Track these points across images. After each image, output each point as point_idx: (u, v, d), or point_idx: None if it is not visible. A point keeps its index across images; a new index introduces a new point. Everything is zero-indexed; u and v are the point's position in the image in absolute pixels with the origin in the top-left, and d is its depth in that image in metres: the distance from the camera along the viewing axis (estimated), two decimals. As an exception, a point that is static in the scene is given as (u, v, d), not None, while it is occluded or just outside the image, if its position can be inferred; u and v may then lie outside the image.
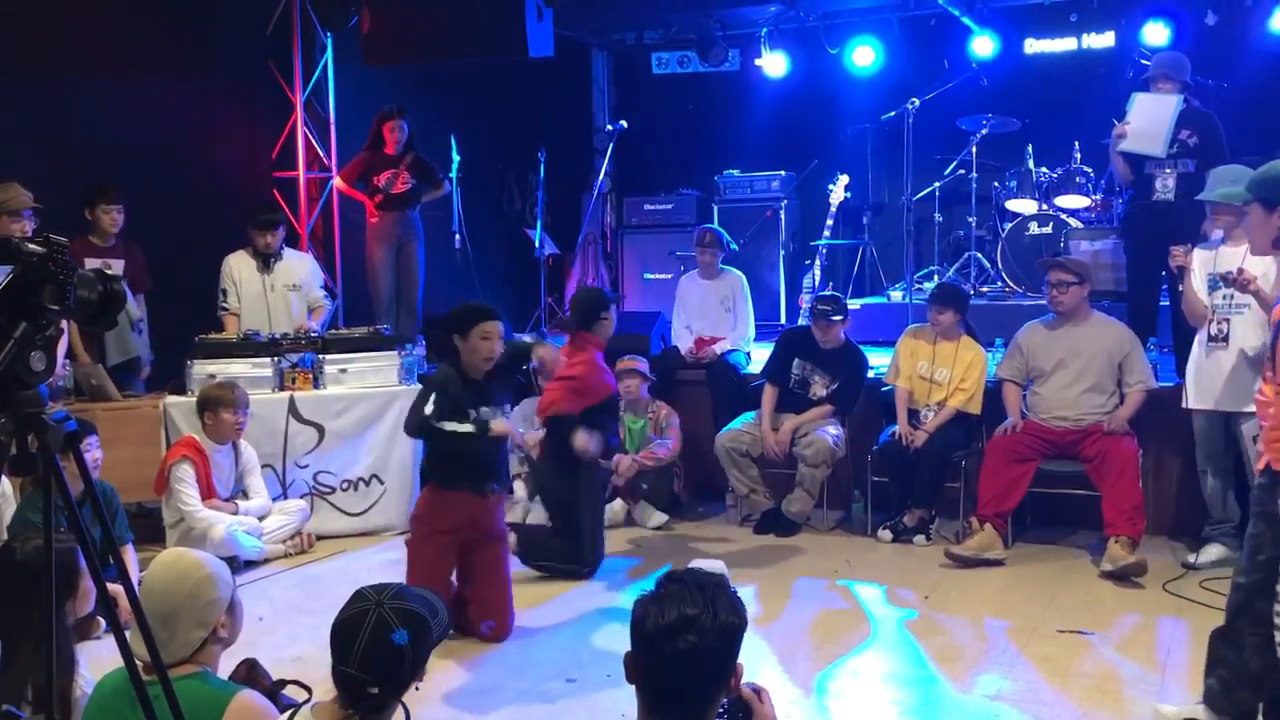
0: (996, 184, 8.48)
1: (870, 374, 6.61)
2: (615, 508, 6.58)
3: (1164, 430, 6.00)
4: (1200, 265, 5.38)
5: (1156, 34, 7.70)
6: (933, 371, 6.24)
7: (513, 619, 4.90)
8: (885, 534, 6.19)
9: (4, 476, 4.87)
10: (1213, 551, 5.50)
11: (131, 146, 6.93)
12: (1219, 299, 5.27)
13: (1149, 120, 6.16)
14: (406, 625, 2.41)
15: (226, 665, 2.98)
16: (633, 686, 2.03)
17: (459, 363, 4.87)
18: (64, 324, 2.49)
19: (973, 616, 5.05)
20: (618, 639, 4.72)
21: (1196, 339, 5.46)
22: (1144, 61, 6.80)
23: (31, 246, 1.99)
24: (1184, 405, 5.52)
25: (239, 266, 7.04)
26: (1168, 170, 6.17)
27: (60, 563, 2.26)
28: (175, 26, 7.25)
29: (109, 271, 2.26)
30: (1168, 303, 6.45)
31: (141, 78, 6.96)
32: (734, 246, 7.67)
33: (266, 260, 7.04)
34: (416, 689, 2.49)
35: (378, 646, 2.37)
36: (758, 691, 2.11)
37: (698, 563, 2.16)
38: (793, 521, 6.35)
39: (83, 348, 6.38)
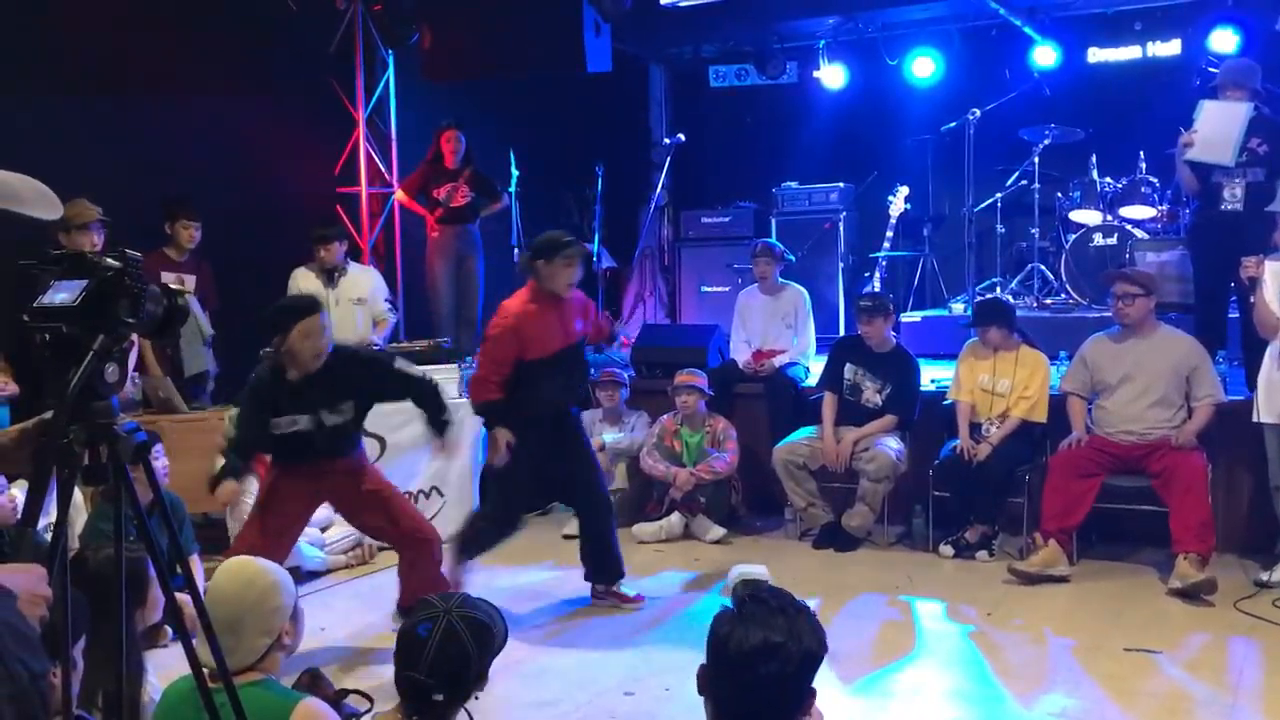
0: (1060, 195, 8.36)
1: (925, 381, 6.55)
2: (673, 521, 6.57)
3: (1234, 444, 5.87)
4: (1272, 276, 5.27)
5: (1224, 41, 7.58)
6: (995, 383, 6.16)
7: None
8: (947, 549, 6.12)
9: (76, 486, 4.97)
10: (1286, 569, 5.37)
11: (198, 164, 7.07)
12: (1292, 310, 5.16)
13: (1217, 129, 6.05)
14: (473, 633, 2.43)
15: (288, 677, 3.02)
16: (696, 700, 2.02)
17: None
18: (134, 337, 2.54)
19: (1036, 634, 4.98)
20: (675, 653, 4.71)
21: (1268, 351, 5.34)
22: (1211, 69, 6.70)
23: (109, 261, 2.04)
24: (1254, 419, 5.40)
25: (304, 281, 7.14)
26: (1236, 180, 6.06)
27: (130, 572, 2.31)
28: (240, 47, 7.39)
29: (180, 286, 2.31)
30: (1236, 315, 6.32)
31: (208, 97, 7.10)
32: (790, 257, 7.62)
33: (331, 275, 7.13)
34: (476, 698, 2.51)
35: (445, 654, 2.39)
36: None
37: (741, 568, 2.10)
38: (853, 536, 6.29)
39: (154, 360, 6.51)
